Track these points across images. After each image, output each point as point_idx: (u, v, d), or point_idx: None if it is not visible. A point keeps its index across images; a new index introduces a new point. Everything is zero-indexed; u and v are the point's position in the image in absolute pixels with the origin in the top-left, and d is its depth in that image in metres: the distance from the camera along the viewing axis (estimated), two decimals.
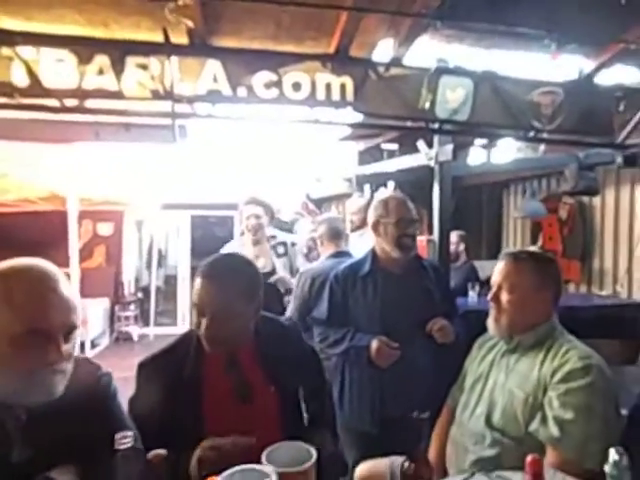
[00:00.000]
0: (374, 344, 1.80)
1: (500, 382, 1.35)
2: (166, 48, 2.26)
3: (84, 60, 2.16)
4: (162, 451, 1.08)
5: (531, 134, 2.74)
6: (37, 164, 4.23)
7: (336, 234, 2.60)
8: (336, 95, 2.43)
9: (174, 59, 2.25)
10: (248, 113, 2.46)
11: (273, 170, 4.81)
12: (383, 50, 2.67)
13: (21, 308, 0.86)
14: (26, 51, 2.11)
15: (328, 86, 2.42)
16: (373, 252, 1.99)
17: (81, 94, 2.17)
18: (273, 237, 3.08)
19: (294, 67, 2.41)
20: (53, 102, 2.19)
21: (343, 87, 2.45)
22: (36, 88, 2.12)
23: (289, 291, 2.82)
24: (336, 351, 1.92)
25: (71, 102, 2.23)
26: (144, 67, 2.22)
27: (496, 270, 1.42)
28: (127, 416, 1.10)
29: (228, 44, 2.46)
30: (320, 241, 2.64)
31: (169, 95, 2.24)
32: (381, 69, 2.52)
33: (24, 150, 3.53)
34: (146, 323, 7.29)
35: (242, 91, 2.31)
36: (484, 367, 1.46)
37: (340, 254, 2.53)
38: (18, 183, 4.90)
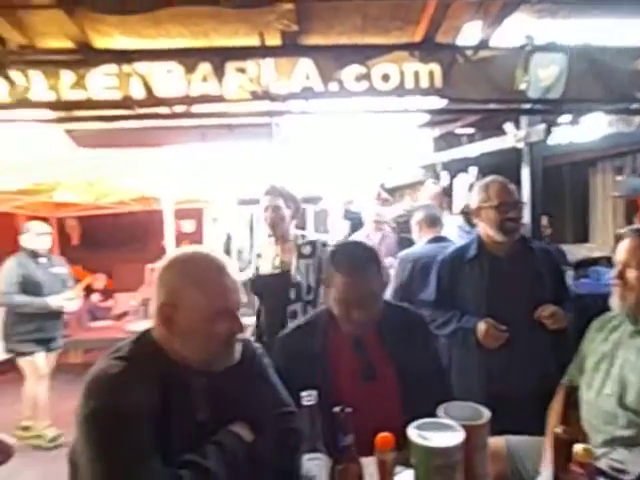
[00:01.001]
0: (482, 326, 1.82)
1: (631, 362, 1.33)
2: (262, 51, 2.40)
3: (189, 69, 2.35)
4: None
5: (634, 106, 2.59)
6: (132, 168, 4.60)
7: (434, 220, 2.64)
8: (424, 83, 2.45)
9: (269, 60, 2.39)
10: (338, 107, 2.55)
11: (349, 161, 4.88)
12: (469, 33, 2.63)
13: (210, 292, 1.01)
14: (141, 66, 2.33)
15: (416, 74, 2.45)
16: (478, 236, 2.01)
17: (188, 100, 2.37)
18: (302, 236, 2.59)
19: (382, 58, 2.46)
20: (164, 110, 2.40)
21: (431, 74, 2.46)
22: (150, 98, 2.34)
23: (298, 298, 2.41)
24: (444, 332, 1.96)
25: (179, 108, 2.43)
26: (242, 70, 2.38)
27: (621, 248, 1.39)
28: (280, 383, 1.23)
29: (318, 42, 2.56)
30: (418, 227, 2.68)
31: (266, 95, 2.38)
32: (469, 53, 2.50)
33: (123, 155, 3.87)
34: None
35: (333, 86, 2.40)
36: (608, 347, 1.44)
37: (439, 239, 2.57)
38: (115, 186, 5.35)
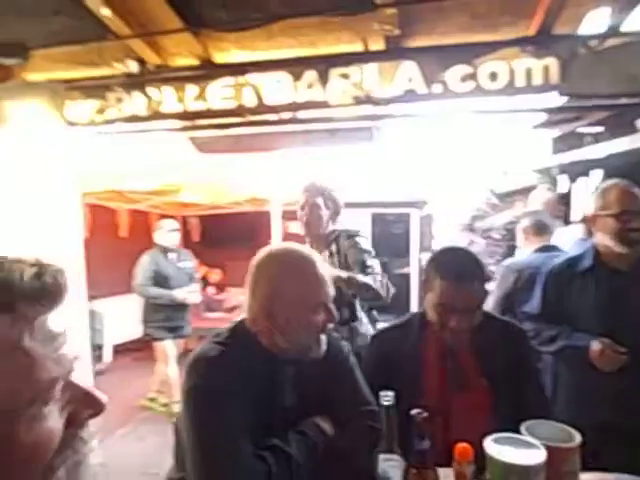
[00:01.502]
0: (596, 345, 1.64)
1: None
2: (365, 56, 2.45)
3: (296, 77, 2.49)
4: None
5: None
6: (245, 171, 4.96)
7: (543, 227, 2.44)
8: (538, 79, 2.29)
9: (372, 65, 2.42)
10: (441, 109, 2.49)
11: (455, 165, 4.71)
12: (593, 21, 2.39)
13: (308, 285, 1.09)
14: (254, 77, 2.53)
15: (528, 71, 2.29)
16: (594, 246, 1.81)
17: (295, 107, 2.50)
18: (335, 231, 2.30)
19: (489, 56, 2.35)
20: (273, 116, 2.57)
21: (546, 70, 2.28)
22: (261, 106, 2.53)
23: None
24: (549, 349, 1.81)
25: (286, 115, 2.58)
26: (346, 76, 2.44)
27: None
28: (364, 382, 1.26)
29: (421, 44, 2.53)
30: (524, 235, 2.50)
31: (368, 99, 2.42)
32: (593, 43, 2.28)
33: (238, 159, 4.19)
34: None
35: (437, 88, 2.35)
36: None
37: (547, 248, 2.36)
38: (231, 188, 5.82)
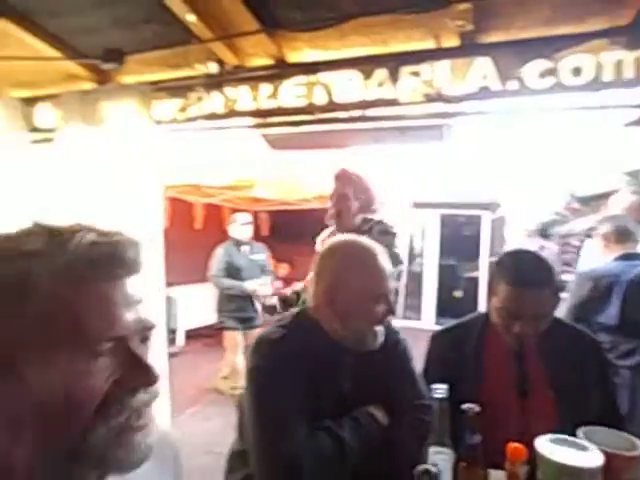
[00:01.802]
0: None
1: None
2: (437, 53, 2.41)
3: (367, 75, 2.51)
4: None
5: None
6: (314, 168, 5.06)
7: (626, 234, 2.26)
8: (629, 73, 2.13)
9: (444, 62, 2.38)
10: (517, 106, 2.39)
11: (532, 166, 4.48)
12: None
13: (371, 276, 1.13)
14: (325, 76, 2.59)
15: (618, 64, 2.14)
16: None
17: (364, 105, 2.52)
18: (367, 221, 2.18)
19: (572, 50, 2.22)
20: (342, 114, 2.61)
21: (638, 62, 2.12)
22: (331, 105, 2.58)
23: None
24: (627, 363, 1.70)
25: (355, 113, 2.61)
26: (417, 74, 2.43)
27: None
28: (419, 375, 1.27)
29: (497, 39, 2.44)
30: (604, 241, 2.33)
31: (439, 97, 2.38)
32: None
33: (308, 156, 4.29)
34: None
35: (512, 84, 2.27)
36: None
37: (629, 256, 2.19)
38: (300, 185, 5.96)
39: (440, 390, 0.97)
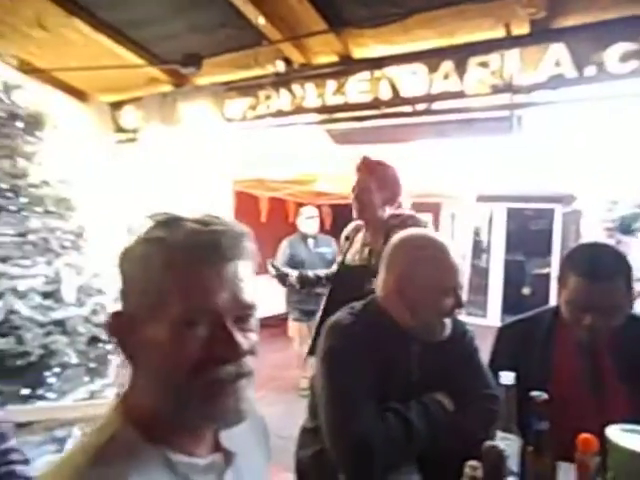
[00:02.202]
0: None
1: None
2: (507, 42, 2.35)
3: (432, 69, 2.50)
4: None
5: None
6: None
7: None
8: None
9: (514, 52, 2.32)
10: (595, 94, 2.28)
11: (611, 157, 4.19)
12: None
13: (442, 270, 1.17)
14: (390, 70, 2.61)
15: None
16: None
17: (429, 98, 2.52)
18: (396, 216, 2.04)
19: None
20: (407, 108, 2.63)
21: None
22: (396, 99, 2.60)
23: None
24: None
25: (420, 106, 2.61)
26: (484, 65, 2.38)
27: None
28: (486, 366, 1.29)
29: (574, 23, 2.33)
30: None
31: (508, 87, 2.33)
32: None
33: (371, 151, 4.31)
34: None
35: (590, 70, 2.16)
36: None
37: None
38: None
39: (507, 377, 0.99)
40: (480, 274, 8.35)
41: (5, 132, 2.85)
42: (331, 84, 2.78)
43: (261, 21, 2.49)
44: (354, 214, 2.08)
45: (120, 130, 3.73)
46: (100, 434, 0.58)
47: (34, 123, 3.01)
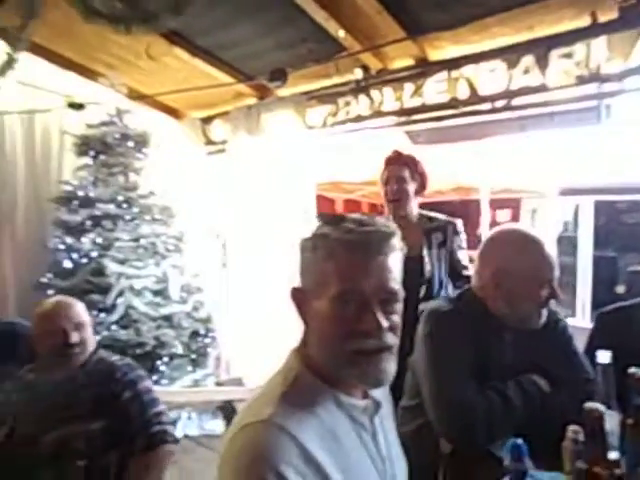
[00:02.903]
0: None
1: None
2: (594, 30, 2.30)
3: (512, 64, 2.51)
4: None
5: None
6: (452, 159, 5.04)
7: None
8: None
9: (601, 40, 2.27)
10: None
11: None
12: None
13: (542, 263, 1.23)
14: (467, 70, 2.65)
15: None
16: None
17: (509, 95, 2.53)
18: (430, 219, 2.14)
19: None
20: (486, 106, 2.65)
21: None
22: (473, 97, 2.64)
23: None
24: None
25: (499, 103, 2.63)
26: (568, 56, 2.35)
27: None
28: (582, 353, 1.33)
29: None
30: None
31: (595, 77, 2.28)
32: None
33: (448, 149, 4.31)
34: None
35: None
36: None
37: None
38: (435, 176, 5.96)
39: (605, 355, 1.04)
40: (567, 271, 7.89)
41: (119, 151, 3.28)
42: (408, 87, 2.87)
43: (341, 34, 2.65)
44: (388, 208, 2.09)
45: (210, 142, 4.08)
46: (287, 374, 0.75)
47: (141, 142, 3.42)
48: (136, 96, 3.59)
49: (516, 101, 2.57)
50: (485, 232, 5.15)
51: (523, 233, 1.27)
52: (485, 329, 1.26)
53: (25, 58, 2.21)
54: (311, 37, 2.78)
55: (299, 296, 0.78)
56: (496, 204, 7.51)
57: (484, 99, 2.62)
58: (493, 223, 7.85)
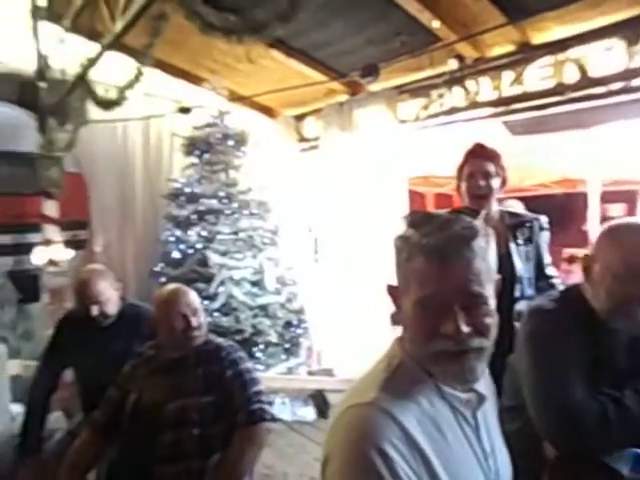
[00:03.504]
0: None
1: None
2: None
3: (632, 41, 2.27)
4: None
5: None
6: (556, 150, 4.67)
7: None
8: None
9: None
10: None
11: None
12: None
13: (632, 255, 1.12)
14: (575, 51, 2.45)
15: None
16: None
17: (628, 75, 2.29)
18: (513, 214, 1.99)
19: None
20: (599, 89, 2.43)
21: None
22: (584, 81, 2.43)
23: None
24: None
25: (615, 86, 2.39)
26: None
27: None
28: None
29: None
30: None
31: None
32: None
33: (550, 139, 4.01)
34: None
35: None
36: None
37: None
38: (538, 169, 5.57)
39: None
40: None
41: (221, 150, 3.52)
42: (507, 75, 2.73)
43: (435, 24, 2.59)
44: (472, 204, 1.92)
45: (303, 139, 4.21)
46: (391, 361, 0.78)
47: (240, 141, 3.64)
48: (235, 98, 3.82)
49: (637, 82, 2.33)
50: (592, 228, 4.71)
51: (633, 227, 1.16)
52: (593, 330, 1.17)
53: (146, 70, 2.47)
54: (404, 30, 2.75)
55: (393, 292, 0.80)
56: (607, 197, 6.81)
57: (597, 82, 2.41)
58: (604, 218, 7.15)
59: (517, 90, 2.71)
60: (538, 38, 2.67)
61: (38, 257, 3.79)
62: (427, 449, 0.68)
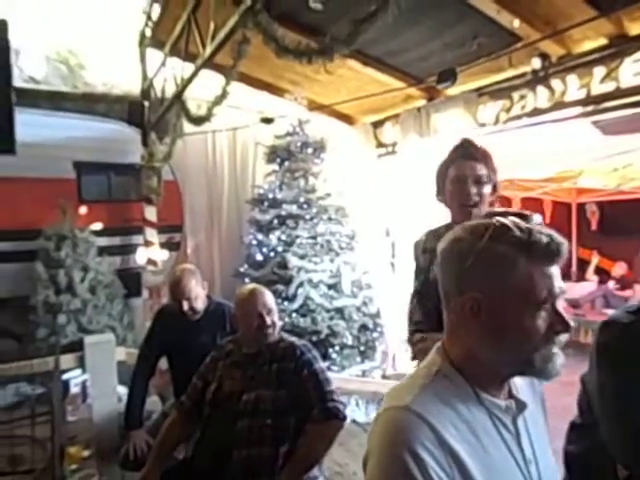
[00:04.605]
0: None
1: None
2: None
3: None
4: None
5: None
6: None
7: None
8: None
9: None
10: None
11: None
12: None
13: None
14: None
15: None
16: None
17: None
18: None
19: None
20: None
21: None
22: None
23: None
24: None
25: None
26: None
27: None
28: None
29: None
30: None
31: None
32: None
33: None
34: None
35: None
36: None
37: None
38: (637, 170, 5.06)
39: None
40: None
41: (301, 157, 3.69)
42: (599, 71, 2.56)
43: (516, 24, 2.51)
44: (460, 213, 1.58)
45: (381, 145, 4.26)
46: (430, 367, 0.81)
47: (319, 148, 3.79)
48: (314, 107, 3.97)
49: None
50: None
51: None
52: None
53: (231, 85, 2.70)
54: (481, 32, 2.70)
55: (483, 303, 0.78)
56: None
57: None
58: None
59: (609, 87, 2.52)
60: (636, 29, 2.47)
61: (140, 257, 4.26)
62: (462, 453, 0.71)
